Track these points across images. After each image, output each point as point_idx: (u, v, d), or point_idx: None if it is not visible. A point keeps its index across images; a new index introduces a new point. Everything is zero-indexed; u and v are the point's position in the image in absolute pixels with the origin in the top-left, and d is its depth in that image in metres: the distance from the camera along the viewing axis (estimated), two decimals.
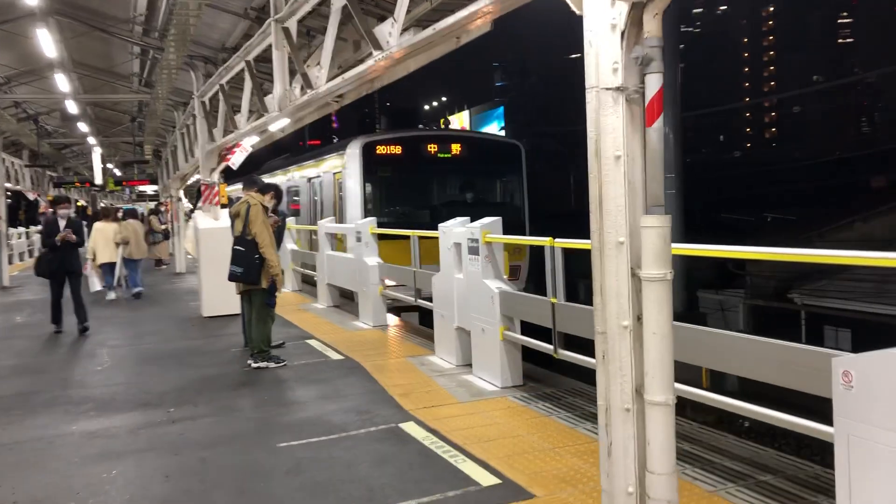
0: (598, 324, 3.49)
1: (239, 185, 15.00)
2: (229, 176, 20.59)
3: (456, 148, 15.95)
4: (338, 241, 13.86)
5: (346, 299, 13.61)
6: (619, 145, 3.37)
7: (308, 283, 16.59)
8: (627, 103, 3.37)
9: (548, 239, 6.07)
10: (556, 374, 7.52)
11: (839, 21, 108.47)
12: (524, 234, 14.72)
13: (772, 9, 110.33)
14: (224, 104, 11.62)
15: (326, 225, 13.34)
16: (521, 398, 6.62)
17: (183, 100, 16.49)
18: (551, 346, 6.18)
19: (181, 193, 26.26)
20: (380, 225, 11.46)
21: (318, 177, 17.90)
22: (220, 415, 6.66)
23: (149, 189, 43.35)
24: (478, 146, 17.13)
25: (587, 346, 6.12)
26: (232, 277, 8.39)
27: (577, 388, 6.92)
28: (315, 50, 8.55)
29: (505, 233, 7.28)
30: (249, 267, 8.25)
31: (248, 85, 9.93)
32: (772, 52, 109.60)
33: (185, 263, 22.22)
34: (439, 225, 8.29)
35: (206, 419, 6.53)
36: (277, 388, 7.53)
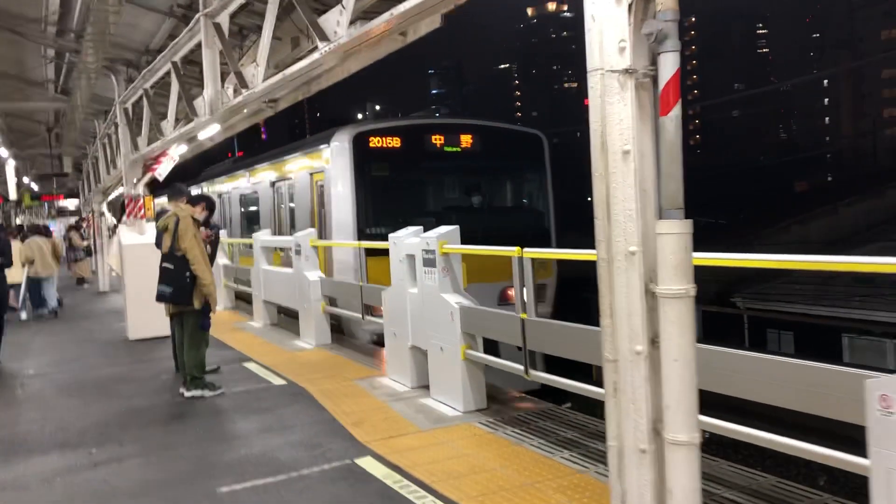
0: (608, 349, 2.95)
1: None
2: (156, 188, 19.53)
3: (467, 140, 12.80)
4: (274, 255, 13.09)
5: (284, 317, 12.85)
6: (628, 138, 2.85)
7: (242, 300, 15.73)
8: (637, 88, 2.85)
9: (515, 249, 5.54)
10: (522, 394, 7.00)
11: (757, 32, 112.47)
12: (550, 245, 12.63)
13: (693, 19, 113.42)
14: (149, 110, 10.77)
15: (262, 238, 12.56)
16: (488, 424, 6.05)
17: (104, 108, 15.46)
18: (521, 367, 5.64)
19: (104, 208, 24.97)
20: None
21: (286, 180, 14.82)
22: (151, 454, 5.89)
23: (70, 204, 41.47)
24: (494, 137, 13.47)
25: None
26: (160, 298, 7.61)
27: (545, 410, 6.39)
28: (248, 49, 7.87)
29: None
30: (180, 286, 7.48)
31: (174, 88, 9.15)
32: (694, 62, 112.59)
33: (108, 281, 20.99)
34: (389, 235, 7.68)
35: (135, 460, 5.76)
36: (215, 421, 6.79)
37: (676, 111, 2.82)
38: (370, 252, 9.83)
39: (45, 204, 44.08)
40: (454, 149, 12.67)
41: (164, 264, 7.60)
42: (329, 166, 12.32)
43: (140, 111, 11.77)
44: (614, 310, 2.91)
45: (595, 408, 6.58)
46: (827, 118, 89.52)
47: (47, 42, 11.75)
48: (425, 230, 6.92)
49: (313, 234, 10.49)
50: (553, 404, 6.56)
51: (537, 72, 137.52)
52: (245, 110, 8.89)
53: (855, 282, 16.39)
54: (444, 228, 6.75)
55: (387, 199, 12.42)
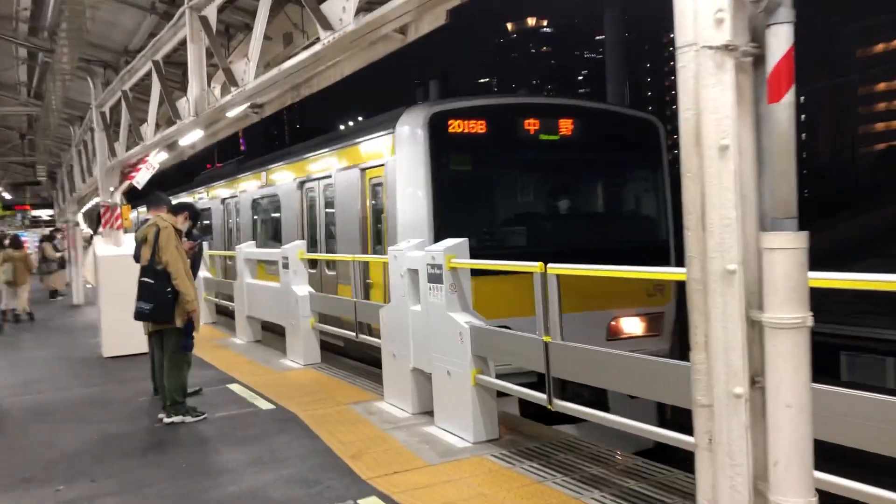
0: (700, 391, 2.40)
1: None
2: (134, 197, 18.70)
3: (567, 125, 9.74)
4: (259, 268, 12.45)
5: (270, 333, 12.20)
6: (727, 130, 2.31)
7: (224, 315, 15.04)
8: (736, 70, 2.31)
9: (537, 265, 4.98)
10: (531, 420, 6.43)
11: None
12: (668, 262, 9.82)
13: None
14: (127, 114, 10.13)
15: (246, 250, 11.93)
16: (502, 457, 5.47)
17: (79, 113, 14.75)
18: (543, 395, 5.07)
19: (79, 218, 24.13)
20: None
21: (324, 179, 11.55)
22: (127, 492, 5.24)
23: (44, 214, 40.39)
24: (601, 122, 10.40)
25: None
26: (139, 316, 6.97)
27: (565, 441, 5.83)
28: (235, 49, 7.26)
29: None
30: (160, 302, 6.85)
31: (156, 89, 8.53)
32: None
33: (83, 294, 20.19)
34: (389, 248, 7.11)
35: (108, 500, 5.12)
36: (199, 452, 6.15)
37: (790, 97, 2.29)
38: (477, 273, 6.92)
39: (18, 214, 43.04)
40: (551, 137, 9.65)
41: (143, 279, 6.97)
42: (392, 158, 9.33)
43: (118, 115, 11.12)
44: (709, 342, 2.36)
45: (615, 437, 6.07)
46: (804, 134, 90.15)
47: (19, 41, 11.07)
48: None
49: (301, 247, 9.88)
50: (573, 433, 5.99)
51: (517, 86, 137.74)
52: (230, 114, 8.29)
53: (856, 298, 16.04)
54: (450, 241, 6.19)
55: (468, 202, 9.46)
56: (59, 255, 22.84)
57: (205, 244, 12.90)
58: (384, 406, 7.15)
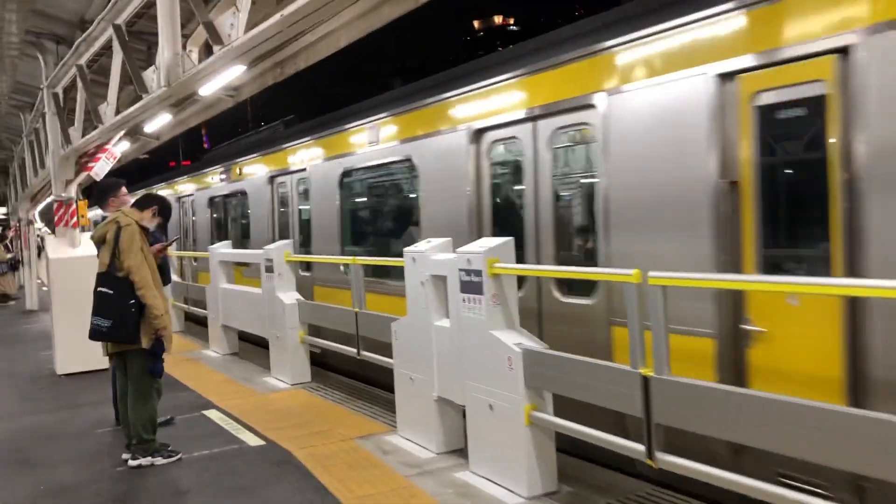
0: None
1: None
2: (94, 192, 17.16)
3: None
4: (236, 272, 11.08)
5: (249, 343, 10.85)
6: None
7: (194, 322, 13.63)
8: None
9: (633, 272, 3.75)
10: (592, 465, 5.21)
11: None
12: None
13: None
14: (84, 93, 8.69)
15: (221, 251, 10.55)
16: None
17: (31, 100, 13.22)
18: (640, 448, 3.83)
19: (35, 215, 22.44)
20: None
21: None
22: None
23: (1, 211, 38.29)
24: None
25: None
26: (96, 335, 5.61)
27: (644, 495, 4.62)
28: (217, 2, 5.89)
29: None
30: (121, 318, 5.51)
31: (117, 60, 7.14)
32: None
33: (37, 298, 18.57)
34: (405, 250, 5.84)
35: None
36: None
37: None
38: None
39: None
40: None
41: (101, 289, 5.61)
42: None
43: (73, 96, 9.68)
44: None
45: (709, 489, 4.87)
46: None
47: None
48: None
49: (288, 247, 8.55)
50: (650, 484, 4.78)
51: None
52: (206, 89, 6.94)
53: None
54: (491, 240, 4.94)
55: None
56: (9, 256, 21.18)
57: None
58: (399, 442, 5.88)
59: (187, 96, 8.04)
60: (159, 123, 9.56)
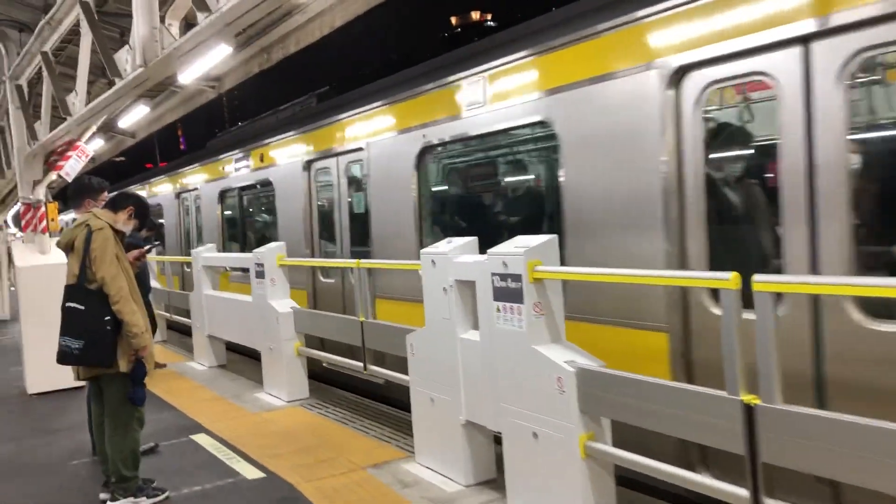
0: None
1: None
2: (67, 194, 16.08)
3: None
4: (221, 277, 10.27)
5: (237, 354, 10.06)
6: None
7: (176, 331, 12.80)
8: None
9: (731, 276, 3.02)
10: (653, 499, 4.48)
11: None
12: None
13: None
14: (50, 84, 7.85)
15: (205, 255, 9.74)
16: None
17: None
18: (726, 488, 3.11)
19: (7, 219, 21.44)
20: None
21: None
22: None
23: None
24: None
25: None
26: (65, 357, 4.81)
27: None
28: None
29: None
30: (94, 338, 4.72)
31: (86, 42, 6.32)
32: None
33: (8, 308, 17.61)
34: (422, 251, 5.09)
35: None
36: None
37: None
38: None
39: None
40: None
41: (70, 304, 4.81)
42: None
43: (39, 91, 8.83)
44: None
45: None
46: None
47: None
48: None
49: (281, 250, 7.76)
50: None
51: None
52: (186, 75, 6.15)
53: None
54: (531, 239, 4.20)
55: None
56: None
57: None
58: (419, 472, 5.13)
59: (165, 82, 7.23)
60: (135, 117, 8.75)
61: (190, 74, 6.58)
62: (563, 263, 4.39)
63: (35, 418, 7.63)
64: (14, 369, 10.28)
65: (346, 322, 6.67)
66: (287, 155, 9.43)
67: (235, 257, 9.82)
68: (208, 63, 6.07)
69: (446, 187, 7.29)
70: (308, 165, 8.96)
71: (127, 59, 5.43)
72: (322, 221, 8.98)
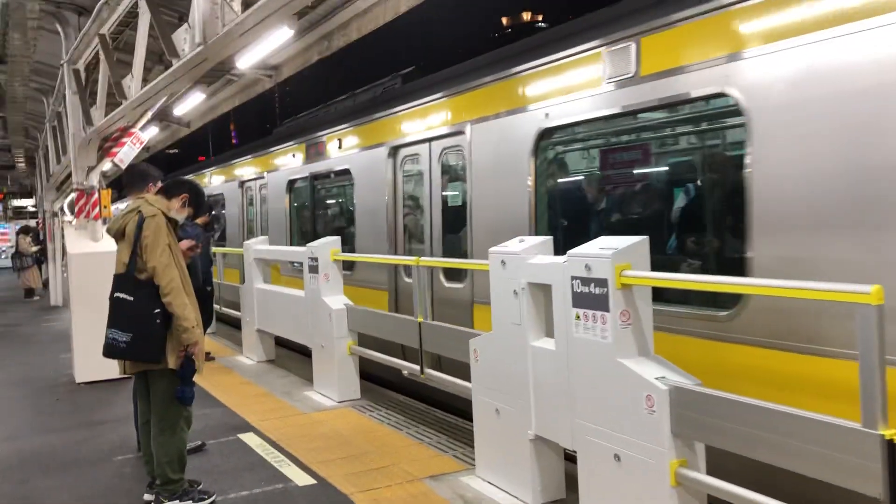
0: None
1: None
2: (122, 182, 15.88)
3: None
4: (272, 270, 10.04)
5: (286, 349, 9.83)
6: None
7: (225, 322, 12.63)
8: None
9: (872, 290, 2.59)
10: None
11: None
12: None
13: None
14: (106, 67, 7.67)
15: (257, 247, 9.51)
16: None
17: (53, 82, 12.28)
18: None
19: (63, 206, 21.66)
20: None
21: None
22: None
23: (29, 204, 37.76)
24: None
25: None
26: (112, 351, 4.56)
27: None
28: None
29: None
30: (143, 332, 4.45)
31: (143, 22, 6.08)
32: None
33: (62, 294, 17.73)
34: (490, 250, 4.72)
35: None
36: None
37: None
38: None
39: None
40: None
41: (119, 294, 4.56)
42: None
43: (96, 77, 8.68)
44: None
45: None
46: None
47: None
48: None
49: (335, 244, 7.46)
50: None
51: None
52: (245, 61, 5.86)
53: None
54: (619, 240, 3.80)
55: None
56: (34, 249, 20.40)
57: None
58: (482, 487, 4.76)
59: (222, 68, 6.98)
60: (191, 104, 8.56)
61: (249, 59, 6.32)
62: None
63: (81, 409, 7.46)
64: (64, 356, 10.23)
65: (402, 322, 6.34)
66: (368, 141, 8.53)
67: (288, 250, 9.56)
68: (268, 47, 5.79)
69: (575, 178, 6.07)
70: (393, 152, 8.04)
71: (185, 39, 5.17)
72: (408, 215, 8.09)
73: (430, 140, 7.43)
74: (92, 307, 7.90)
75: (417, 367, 6.08)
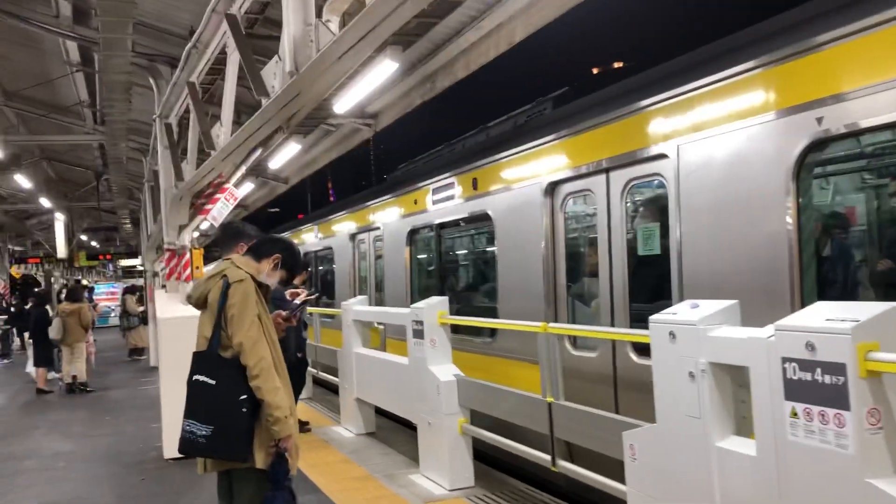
0: None
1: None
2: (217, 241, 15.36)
3: None
4: (373, 334, 9.24)
5: (385, 419, 8.94)
6: None
7: (322, 386, 11.86)
8: None
9: None
10: None
11: None
12: None
13: None
14: (195, 117, 7.15)
15: (356, 308, 8.74)
16: None
17: (149, 141, 12.10)
18: None
19: (161, 266, 21.82)
20: None
21: None
22: None
23: (137, 263, 38.85)
24: None
25: None
26: (189, 446, 3.78)
27: None
28: None
29: None
30: (226, 422, 3.64)
31: (233, 60, 5.47)
32: None
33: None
34: (651, 318, 3.72)
35: None
36: None
37: None
38: None
39: (109, 264, 41.91)
40: None
41: (198, 377, 3.78)
42: None
43: (186, 124, 8.23)
44: None
45: None
46: None
47: (61, 30, 8.36)
48: None
49: (443, 305, 6.57)
50: None
51: None
52: (338, 104, 5.12)
53: None
54: (856, 307, 2.75)
55: None
56: (140, 309, 20.45)
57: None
58: None
59: (318, 116, 6.33)
60: (286, 157, 7.94)
61: (346, 103, 5.63)
62: None
63: (165, 493, 6.75)
64: (154, 426, 9.65)
65: (526, 401, 5.30)
66: (514, 177, 7.08)
67: (390, 312, 8.73)
68: (369, 85, 5.05)
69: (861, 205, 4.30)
70: (551, 189, 6.53)
71: (275, 74, 4.48)
72: (573, 268, 6.50)
73: (607, 170, 5.86)
74: (181, 376, 7.18)
75: (548, 458, 5.04)
